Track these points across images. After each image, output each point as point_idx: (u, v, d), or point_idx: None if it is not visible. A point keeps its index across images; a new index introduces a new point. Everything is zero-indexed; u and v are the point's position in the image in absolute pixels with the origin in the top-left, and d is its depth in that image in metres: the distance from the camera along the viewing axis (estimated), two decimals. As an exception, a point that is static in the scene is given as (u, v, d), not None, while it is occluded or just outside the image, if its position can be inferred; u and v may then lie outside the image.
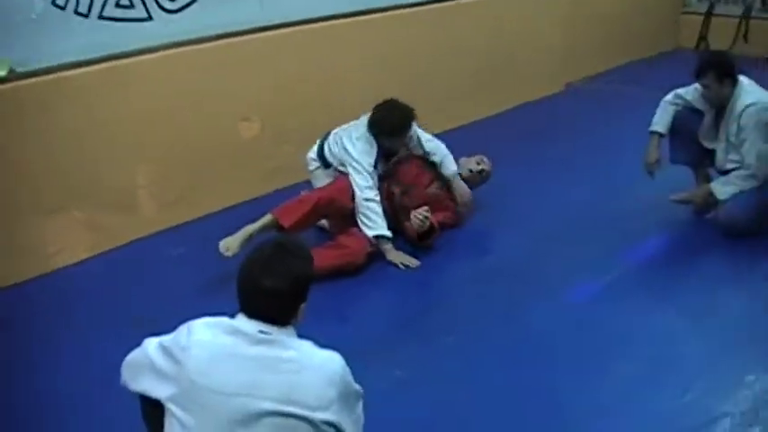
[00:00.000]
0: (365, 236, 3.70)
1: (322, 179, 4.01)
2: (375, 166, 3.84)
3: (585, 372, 2.88)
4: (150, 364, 1.93)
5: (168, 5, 4.01)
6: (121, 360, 2.04)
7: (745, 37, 7.38)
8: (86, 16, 3.69)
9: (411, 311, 3.41)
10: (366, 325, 3.29)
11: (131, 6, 3.86)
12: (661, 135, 4.01)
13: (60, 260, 3.76)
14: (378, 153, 3.86)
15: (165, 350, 1.92)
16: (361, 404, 2.01)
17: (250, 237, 3.57)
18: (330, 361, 1.92)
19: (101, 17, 3.75)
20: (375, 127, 3.85)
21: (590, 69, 6.97)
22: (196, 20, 4.12)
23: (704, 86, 3.79)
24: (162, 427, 1.90)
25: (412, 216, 3.71)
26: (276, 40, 4.48)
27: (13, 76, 3.48)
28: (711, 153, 3.95)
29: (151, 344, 1.97)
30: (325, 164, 4.04)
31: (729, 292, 3.47)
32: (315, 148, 4.11)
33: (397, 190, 3.90)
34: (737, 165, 3.78)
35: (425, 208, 3.72)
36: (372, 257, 3.71)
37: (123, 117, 3.88)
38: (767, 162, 3.71)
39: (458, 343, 3.10)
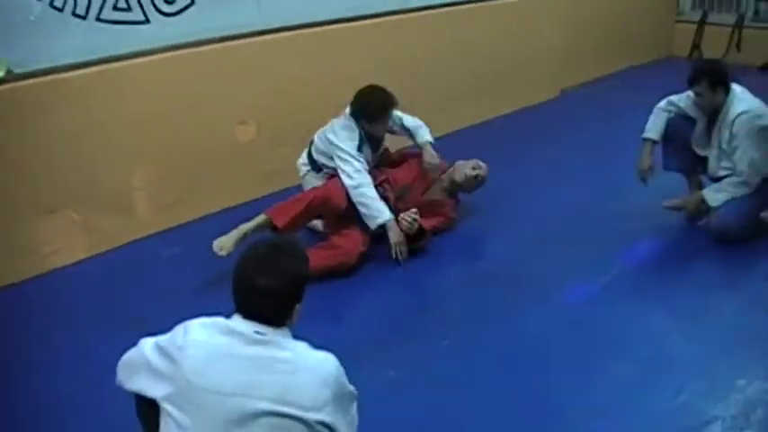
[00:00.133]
0: (359, 236, 3.72)
1: (313, 183, 4.02)
2: (360, 150, 3.84)
3: (579, 373, 2.90)
4: (146, 364, 1.93)
5: (165, 8, 4.02)
6: (117, 360, 2.04)
7: (738, 46, 7.44)
8: (84, 18, 3.70)
9: (405, 313, 3.42)
10: (360, 326, 3.30)
11: (129, 9, 3.87)
12: (654, 142, 4.04)
13: (57, 260, 3.77)
14: (360, 138, 3.88)
15: (161, 350, 1.92)
16: (355, 405, 2.02)
17: (244, 236, 3.59)
18: (325, 362, 1.93)
19: (98, 19, 3.76)
20: (356, 112, 3.89)
21: (585, 76, 7.01)
22: (193, 23, 4.13)
23: (697, 94, 3.82)
24: (157, 426, 1.90)
25: (400, 218, 3.72)
26: (274, 43, 4.50)
27: (11, 77, 3.48)
28: (704, 160, 3.98)
29: (147, 343, 1.98)
30: (316, 167, 4.06)
31: (722, 296, 3.49)
32: (304, 154, 4.15)
33: (391, 195, 3.92)
34: (730, 172, 3.80)
35: (414, 210, 3.73)
36: (365, 258, 3.73)
37: (121, 119, 3.90)
38: (759, 169, 3.74)
39: (452, 344, 3.11)
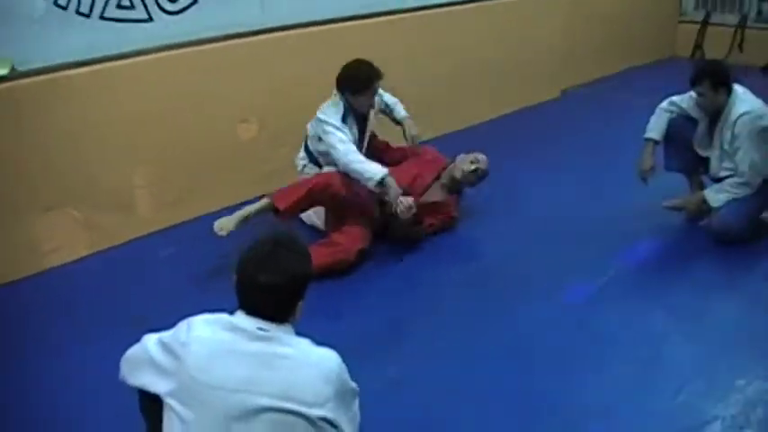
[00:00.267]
0: (359, 233, 3.72)
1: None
2: (344, 122, 3.86)
3: (579, 373, 2.91)
4: (149, 360, 1.95)
5: (169, 7, 4.04)
6: (119, 356, 2.06)
7: (741, 46, 7.44)
8: (88, 16, 3.72)
9: (404, 311, 3.43)
10: (359, 324, 3.30)
11: (132, 7, 3.88)
12: (656, 142, 4.04)
13: (57, 258, 3.78)
14: (345, 110, 3.89)
15: (164, 346, 1.94)
16: (357, 402, 2.04)
17: (245, 219, 3.61)
18: (327, 359, 1.94)
19: (102, 17, 3.78)
20: (341, 84, 3.91)
21: (586, 76, 7.01)
22: (196, 21, 4.14)
23: (699, 94, 3.82)
24: (160, 422, 1.92)
25: (398, 201, 3.70)
26: (276, 42, 4.51)
27: (14, 74, 3.50)
28: (705, 161, 3.98)
29: (150, 339, 1.99)
30: (313, 160, 4.08)
31: (722, 295, 3.50)
32: (301, 148, 4.18)
33: (388, 198, 3.90)
34: (731, 173, 3.81)
35: (412, 198, 3.73)
36: (366, 256, 3.74)
37: (122, 117, 3.90)
38: (760, 170, 3.75)
39: (451, 343, 3.12)
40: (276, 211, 3.66)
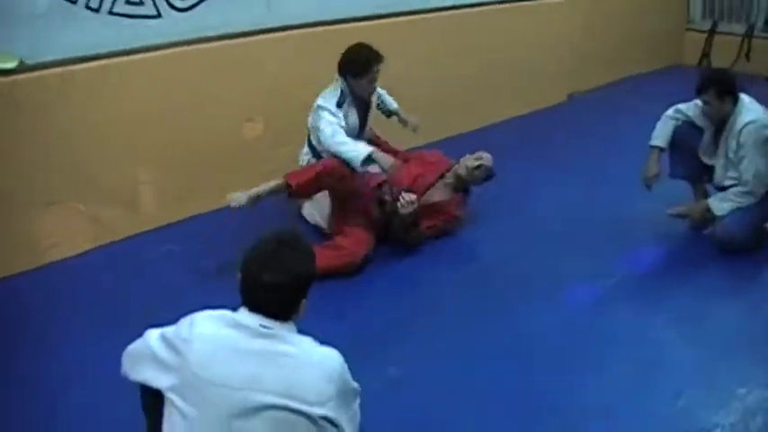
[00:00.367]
0: (364, 237, 3.73)
1: None
2: (339, 105, 3.88)
3: (579, 375, 2.91)
4: (152, 355, 1.95)
5: (178, 4, 4.05)
6: (120, 352, 2.06)
7: (747, 55, 7.42)
8: (97, 11, 3.73)
9: (405, 312, 3.43)
10: (359, 324, 3.30)
11: (141, 3, 3.90)
12: (661, 149, 4.04)
13: (57, 253, 3.79)
14: (342, 94, 3.90)
15: (166, 341, 1.94)
16: (357, 401, 2.04)
17: (258, 197, 3.67)
18: (329, 358, 1.95)
19: (111, 13, 3.79)
20: (342, 67, 3.94)
21: (593, 81, 7.01)
22: (205, 19, 4.16)
23: (705, 103, 3.82)
24: (161, 417, 1.92)
25: (400, 197, 3.71)
26: (282, 41, 4.52)
27: (21, 68, 3.51)
28: (710, 169, 3.98)
29: (153, 335, 2.00)
30: (317, 155, 4.08)
31: (725, 303, 3.49)
32: (305, 143, 4.20)
33: (388, 198, 3.88)
34: (735, 181, 3.81)
35: (414, 196, 3.73)
36: (370, 258, 3.74)
37: (127, 114, 3.92)
38: (764, 180, 3.75)
39: (452, 344, 3.13)
40: (289, 190, 3.70)
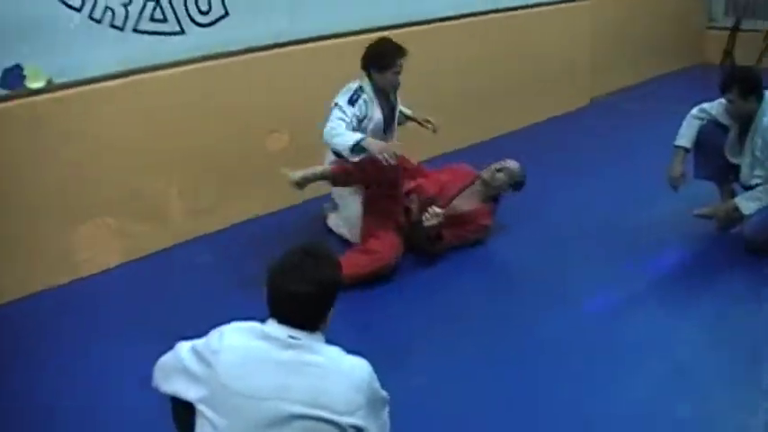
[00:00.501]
0: (394, 240, 3.73)
1: None
2: (352, 103, 3.87)
3: (603, 383, 2.90)
4: (183, 367, 1.97)
5: (200, 19, 4.10)
6: (151, 365, 2.09)
7: (772, 52, 7.37)
8: (122, 30, 3.79)
9: (429, 320, 3.43)
10: (383, 333, 3.31)
11: (165, 20, 3.95)
12: (686, 150, 4.01)
13: (91, 267, 3.84)
14: (355, 95, 3.89)
15: (197, 353, 1.96)
16: (387, 410, 2.05)
17: (307, 178, 3.78)
18: (358, 368, 1.96)
19: (135, 30, 3.84)
20: (367, 61, 3.96)
21: (615, 84, 6.98)
22: (227, 33, 4.20)
23: (729, 101, 3.80)
24: (192, 428, 1.94)
25: (428, 209, 3.71)
26: (304, 53, 4.56)
27: (50, 87, 3.58)
28: (736, 168, 3.95)
29: (183, 347, 2.02)
30: (341, 158, 4.09)
31: (750, 307, 3.46)
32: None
33: (414, 207, 3.90)
34: (762, 180, 3.78)
35: (441, 210, 3.73)
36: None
37: (155, 128, 3.97)
38: (792, 177, 3.72)
39: (476, 353, 3.12)
40: (334, 175, 3.82)
